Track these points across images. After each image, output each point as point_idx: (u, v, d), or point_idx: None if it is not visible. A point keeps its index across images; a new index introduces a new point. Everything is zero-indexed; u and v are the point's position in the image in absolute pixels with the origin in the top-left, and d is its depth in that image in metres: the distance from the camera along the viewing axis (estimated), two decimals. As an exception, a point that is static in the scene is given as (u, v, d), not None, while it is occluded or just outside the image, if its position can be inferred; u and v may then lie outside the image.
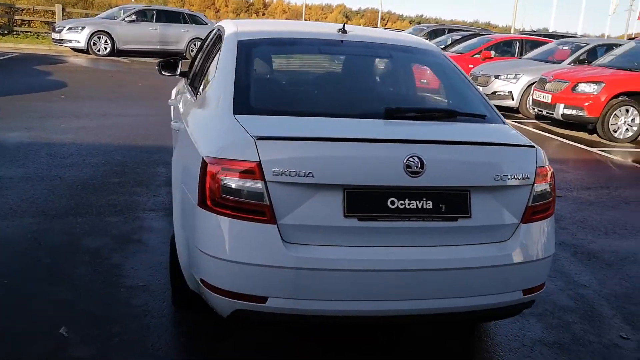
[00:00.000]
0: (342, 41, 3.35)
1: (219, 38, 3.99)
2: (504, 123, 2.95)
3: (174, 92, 5.51)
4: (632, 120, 9.54)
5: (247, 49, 3.13)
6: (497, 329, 3.28)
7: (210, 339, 3.01)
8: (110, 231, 4.25)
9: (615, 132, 9.54)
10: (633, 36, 19.12)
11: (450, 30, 18.98)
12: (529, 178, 2.56)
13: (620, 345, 3.20)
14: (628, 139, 9.55)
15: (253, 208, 2.36)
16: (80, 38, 18.10)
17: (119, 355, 2.82)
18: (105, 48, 18.39)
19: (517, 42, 14.90)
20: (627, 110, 9.48)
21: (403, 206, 2.41)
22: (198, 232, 2.50)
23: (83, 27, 18.24)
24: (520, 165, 2.55)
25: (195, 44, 19.77)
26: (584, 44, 12.79)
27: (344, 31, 3.36)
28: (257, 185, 2.34)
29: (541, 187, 2.61)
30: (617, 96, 9.45)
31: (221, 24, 3.98)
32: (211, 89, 3.06)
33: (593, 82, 9.59)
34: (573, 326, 3.38)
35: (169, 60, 4.93)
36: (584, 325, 3.40)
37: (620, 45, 12.04)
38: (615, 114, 9.46)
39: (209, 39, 4.20)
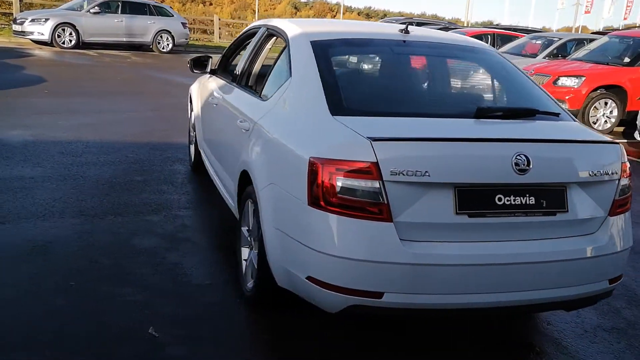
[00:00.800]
0: (404, 41, 3.45)
1: (267, 37, 4.04)
2: (575, 120, 3.11)
3: (196, 90, 5.50)
4: (611, 112, 9.99)
5: (323, 50, 3.19)
6: (555, 318, 3.45)
7: (295, 337, 3.07)
8: (156, 230, 4.24)
9: (595, 123, 9.96)
10: (602, 30, 19.83)
11: (419, 24, 19.26)
12: (616, 173, 2.72)
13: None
14: (607, 130, 9.99)
15: (370, 207, 2.44)
16: (44, 30, 17.53)
17: (213, 355, 2.86)
18: (70, 40, 17.87)
19: (489, 36, 15.28)
20: (606, 103, 9.90)
21: (509, 202, 2.53)
22: (309, 230, 2.57)
23: (47, 19, 17.67)
24: (609, 161, 2.72)
25: (161, 37, 19.51)
26: (556, 39, 13.26)
27: (406, 31, 3.46)
28: (375, 184, 2.42)
29: (624, 181, 2.78)
30: (596, 89, 9.86)
31: (271, 23, 4.01)
32: (292, 90, 3.11)
33: (574, 76, 9.97)
34: (624, 312, 3.59)
35: (199, 58, 4.93)
36: (632, 310, 3.62)
37: (590, 40, 12.53)
38: (595, 107, 9.89)
39: (254, 39, 4.21)
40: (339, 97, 2.86)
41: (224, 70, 4.99)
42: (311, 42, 3.26)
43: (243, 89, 3.92)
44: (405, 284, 2.46)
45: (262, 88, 3.57)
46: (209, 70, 4.96)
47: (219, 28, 27.89)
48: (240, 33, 4.77)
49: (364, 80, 3.76)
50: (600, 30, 21.67)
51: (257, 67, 3.95)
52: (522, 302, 2.61)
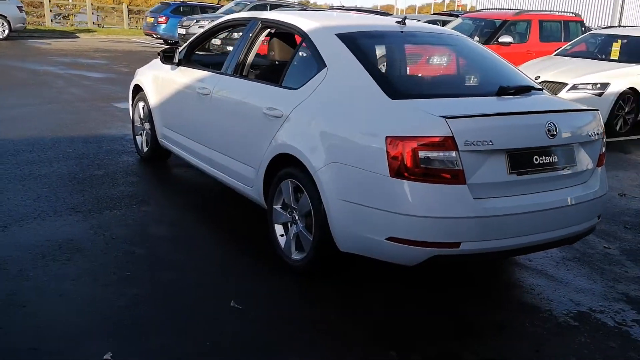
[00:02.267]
0: (401, 31, 3.99)
1: (261, 30, 4.34)
2: (548, 93, 3.89)
3: (151, 80, 5.53)
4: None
5: (352, 42, 3.63)
6: (532, 256, 4.24)
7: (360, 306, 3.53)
8: (162, 219, 4.39)
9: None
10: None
11: (273, 6, 19.73)
12: (600, 133, 3.53)
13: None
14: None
15: (448, 173, 2.99)
16: None
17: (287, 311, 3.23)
18: None
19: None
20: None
21: (542, 161, 3.22)
22: (392, 198, 3.04)
23: None
24: (596, 123, 3.52)
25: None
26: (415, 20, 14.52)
27: (403, 23, 4.01)
28: (452, 154, 2.97)
29: (604, 138, 3.61)
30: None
31: (270, 17, 4.31)
32: (332, 79, 3.50)
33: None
34: (574, 246, 4.50)
35: (169, 49, 5.03)
36: (578, 244, 4.55)
37: (444, 22, 13.97)
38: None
39: (245, 31, 4.46)
40: (391, 83, 3.35)
41: (196, 61, 5.13)
42: (337, 34, 3.68)
43: (253, 80, 4.18)
44: (477, 233, 3.05)
45: (282, 78, 3.89)
46: (176, 61, 5.07)
47: (50, 10, 25.99)
48: (214, 24, 4.94)
49: (399, 67, 4.23)
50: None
51: (260, 60, 4.23)
52: (554, 238, 3.33)
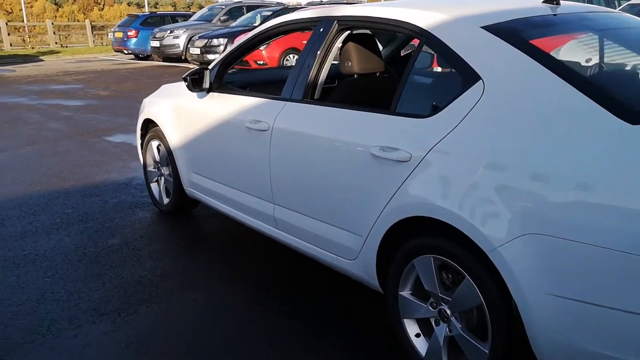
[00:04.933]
0: (554, 14, 2.75)
1: (338, 33, 3.10)
2: None
3: (170, 113, 4.23)
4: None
5: (516, 37, 2.40)
6: None
7: None
8: (234, 313, 3.10)
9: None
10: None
11: (251, 8, 18.39)
12: None
13: None
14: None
15: None
16: None
17: None
18: None
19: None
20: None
21: None
22: None
23: None
24: None
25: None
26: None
27: (557, 3, 2.79)
28: None
29: None
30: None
31: (355, 13, 3.04)
32: (499, 99, 2.26)
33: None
34: None
35: (197, 72, 3.74)
36: None
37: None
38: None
39: (314, 39, 3.19)
40: (620, 98, 2.11)
41: (232, 83, 3.87)
42: (484, 28, 2.45)
43: (342, 106, 2.90)
44: None
45: (396, 102, 2.64)
46: (206, 86, 3.79)
47: (8, 34, 24.27)
48: (258, 31, 3.63)
49: (609, 71, 2.95)
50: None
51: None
52: None
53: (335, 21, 3.12)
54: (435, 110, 2.47)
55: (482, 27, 2.46)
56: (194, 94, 3.94)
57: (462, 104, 2.37)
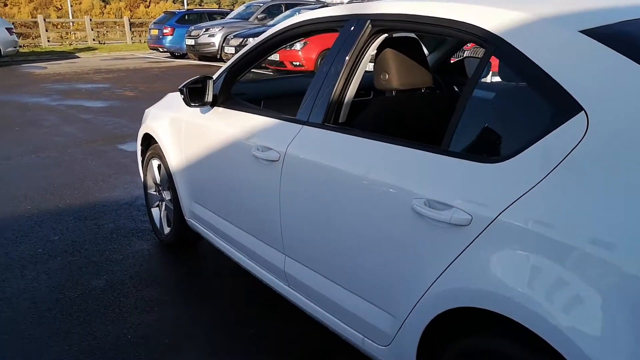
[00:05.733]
0: None
1: (372, 36, 2.33)
2: None
3: (171, 130, 3.53)
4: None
5: (635, 49, 1.58)
6: None
7: None
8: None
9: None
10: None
11: (289, 5, 17.70)
12: None
13: None
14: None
15: None
16: None
17: None
18: None
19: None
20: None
21: None
22: None
23: None
24: None
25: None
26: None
27: None
28: None
29: None
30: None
31: (395, 10, 2.25)
32: (609, 133, 1.46)
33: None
34: None
35: (197, 82, 3.01)
36: None
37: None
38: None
39: (341, 42, 2.42)
40: None
41: (240, 95, 3.14)
42: (586, 32, 1.65)
43: (372, 138, 2.12)
44: None
45: (451, 136, 1.85)
46: (209, 99, 3.07)
47: (46, 30, 24.16)
48: (272, 32, 2.88)
49: None
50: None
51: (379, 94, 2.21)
52: None
53: (369, 21, 2.34)
54: (511, 151, 1.67)
55: (581, 32, 1.66)
56: (197, 108, 3.22)
57: (553, 145, 1.57)
